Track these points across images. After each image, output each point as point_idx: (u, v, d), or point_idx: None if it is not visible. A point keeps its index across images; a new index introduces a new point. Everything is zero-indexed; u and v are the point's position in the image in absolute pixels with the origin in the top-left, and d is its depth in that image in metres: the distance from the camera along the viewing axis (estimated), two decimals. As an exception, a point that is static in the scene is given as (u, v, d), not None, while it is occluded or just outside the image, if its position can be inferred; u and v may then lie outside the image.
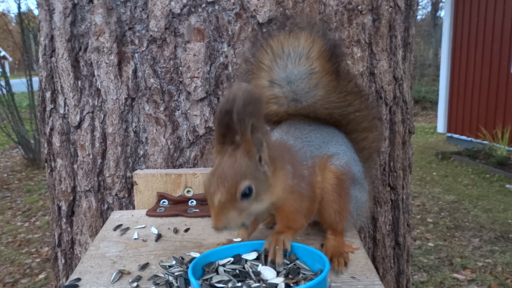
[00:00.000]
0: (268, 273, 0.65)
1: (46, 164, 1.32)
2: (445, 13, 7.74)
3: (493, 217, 4.26)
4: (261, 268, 0.66)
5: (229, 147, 0.66)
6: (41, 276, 3.36)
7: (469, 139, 7.09)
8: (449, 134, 7.68)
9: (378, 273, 1.29)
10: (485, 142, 6.57)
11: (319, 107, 0.87)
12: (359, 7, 1.13)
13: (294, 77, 0.85)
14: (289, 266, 0.68)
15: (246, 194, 0.65)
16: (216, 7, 1.08)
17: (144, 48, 1.12)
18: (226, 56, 1.10)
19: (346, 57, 1.10)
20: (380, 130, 1.07)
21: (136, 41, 1.12)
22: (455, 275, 3.19)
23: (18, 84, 7.78)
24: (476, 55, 6.94)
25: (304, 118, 0.90)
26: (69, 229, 1.26)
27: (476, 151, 6.42)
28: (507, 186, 5.17)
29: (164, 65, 1.12)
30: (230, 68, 1.11)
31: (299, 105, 0.87)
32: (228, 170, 0.64)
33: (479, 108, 6.94)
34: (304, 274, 0.66)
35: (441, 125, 7.80)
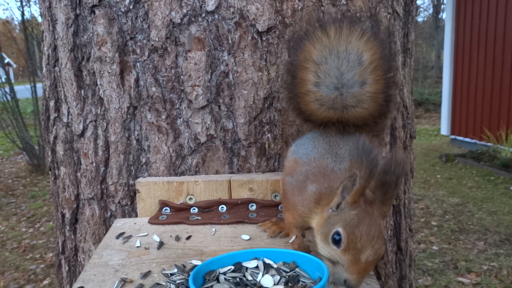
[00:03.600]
0: (267, 281, 0.66)
1: (50, 172, 1.33)
2: (447, 15, 7.73)
3: (498, 220, 4.24)
4: (261, 276, 0.67)
5: (361, 201, 0.65)
6: (45, 282, 3.38)
7: (473, 141, 7.06)
8: (452, 136, 7.66)
9: (380, 278, 1.30)
10: (489, 144, 6.55)
11: (358, 117, 0.85)
12: (358, 14, 1.14)
13: (346, 82, 0.81)
14: (288, 274, 0.68)
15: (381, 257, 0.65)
16: (216, 16, 1.10)
17: (146, 58, 1.13)
18: (227, 65, 1.12)
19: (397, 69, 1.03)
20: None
21: (138, 51, 1.13)
22: (460, 278, 3.18)
23: (22, 90, 7.85)
24: (478, 57, 6.93)
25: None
26: (72, 236, 1.28)
27: (480, 153, 6.40)
28: (512, 188, 5.15)
29: (166, 74, 1.13)
30: (230, 76, 1.12)
31: (338, 112, 0.84)
32: (375, 231, 0.62)
33: (482, 110, 6.92)
34: (303, 282, 0.66)
35: (444, 127, 7.78)
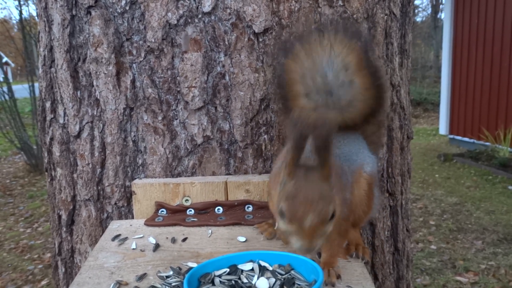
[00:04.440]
0: (262, 284, 0.65)
1: (46, 173, 1.33)
2: (445, 15, 7.74)
3: (496, 219, 4.25)
4: (256, 279, 0.67)
5: (299, 171, 0.66)
6: (43, 283, 3.38)
7: (471, 140, 7.07)
8: (451, 136, 7.67)
9: (378, 279, 1.30)
10: (487, 143, 6.56)
11: (351, 116, 0.87)
12: (355, 16, 1.14)
13: (335, 88, 0.85)
14: (284, 276, 0.68)
15: (332, 218, 0.66)
16: (212, 17, 1.09)
17: (142, 59, 1.13)
18: (223, 66, 1.11)
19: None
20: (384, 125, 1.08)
21: (134, 52, 1.13)
22: (458, 278, 3.18)
23: (20, 90, 7.83)
24: (477, 56, 6.93)
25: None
26: (69, 238, 1.27)
27: (478, 153, 6.41)
28: (510, 187, 5.15)
29: (162, 75, 1.13)
30: (227, 78, 1.12)
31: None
32: (313, 195, 0.64)
33: (481, 110, 6.93)
34: (299, 284, 0.66)
35: (443, 127, 7.79)
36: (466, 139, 7.21)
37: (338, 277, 0.76)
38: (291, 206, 0.65)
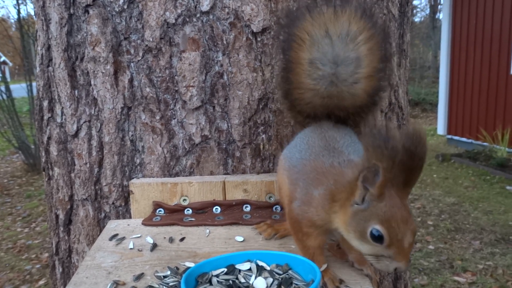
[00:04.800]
0: (260, 283, 0.65)
1: (44, 172, 1.32)
2: (443, 15, 7.76)
3: (493, 219, 4.26)
4: (253, 279, 0.67)
5: (387, 190, 0.64)
6: (41, 283, 3.37)
7: (469, 141, 7.09)
8: (449, 136, 7.68)
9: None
10: (485, 143, 6.58)
11: (352, 95, 0.85)
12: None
13: (342, 59, 0.82)
14: (281, 276, 0.68)
15: None
16: (211, 16, 1.09)
17: (140, 58, 1.12)
18: (221, 65, 1.11)
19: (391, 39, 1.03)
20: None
21: (132, 51, 1.13)
22: (456, 278, 3.19)
23: (18, 89, 7.81)
24: (475, 57, 6.95)
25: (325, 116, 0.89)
26: (66, 237, 1.27)
27: (476, 153, 6.42)
28: (508, 187, 5.17)
29: (160, 75, 1.13)
30: (225, 77, 1.12)
31: (334, 91, 0.84)
32: (406, 213, 0.63)
33: (479, 110, 6.95)
34: (296, 284, 0.66)
35: (441, 127, 7.81)
36: (464, 139, 7.23)
37: (341, 282, 0.76)
38: (391, 229, 0.62)
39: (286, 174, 0.85)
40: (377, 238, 0.63)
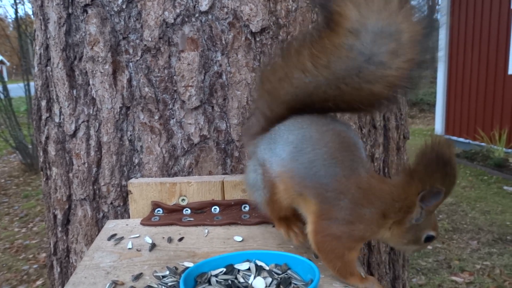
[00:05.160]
0: (259, 283, 0.65)
1: (41, 172, 1.32)
2: (441, 16, 7.77)
3: (491, 219, 4.27)
4: (252, 278, 0.67)
5: None
6: (38, 283, 3.36)
7: (467, 141, 7.11)
8: (446, 136, 7.70)
9: (374, 279, 1.30)
10: (482, 144, 6.60)
11: (376, 82, 0.78)
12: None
13: (377, 53, 0.74)
14: (280, 276, 0.68)
15: None
16: (210, 16, 1.09)
17: (139, 58, 1.12)
18: (220, 65, 1.11)
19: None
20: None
21: (131, 51, 1.12)
22: (453, 277, 3.20)
23: (16, 89, 7.78)
24: (472, 57, 6.97)
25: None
26: (64, 237, 1.26)
27: (473, 153, 6.44)
28: (505, 188, 5.18)
29: (159, 74, 1.12)
30: (224, 77, 1.12)
31: (365, 71, 0.76)
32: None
33: (476, 110, 6.97)
34: (295, 284, 0.66)
35: (439, 127, 7.83)
36: (461, 139, 7.25)
37: None
38: (437, 229, 0.77)
39: (298, 184, 0.78)
40: (430, 239, 0.75)
